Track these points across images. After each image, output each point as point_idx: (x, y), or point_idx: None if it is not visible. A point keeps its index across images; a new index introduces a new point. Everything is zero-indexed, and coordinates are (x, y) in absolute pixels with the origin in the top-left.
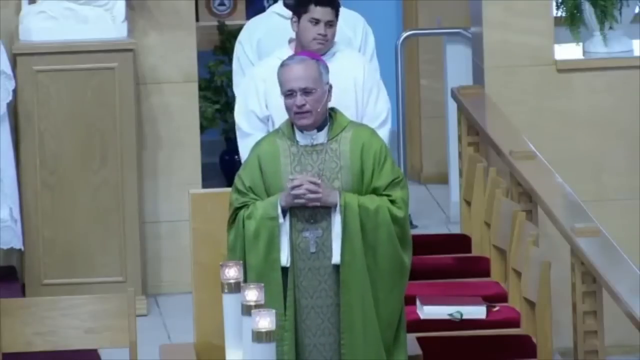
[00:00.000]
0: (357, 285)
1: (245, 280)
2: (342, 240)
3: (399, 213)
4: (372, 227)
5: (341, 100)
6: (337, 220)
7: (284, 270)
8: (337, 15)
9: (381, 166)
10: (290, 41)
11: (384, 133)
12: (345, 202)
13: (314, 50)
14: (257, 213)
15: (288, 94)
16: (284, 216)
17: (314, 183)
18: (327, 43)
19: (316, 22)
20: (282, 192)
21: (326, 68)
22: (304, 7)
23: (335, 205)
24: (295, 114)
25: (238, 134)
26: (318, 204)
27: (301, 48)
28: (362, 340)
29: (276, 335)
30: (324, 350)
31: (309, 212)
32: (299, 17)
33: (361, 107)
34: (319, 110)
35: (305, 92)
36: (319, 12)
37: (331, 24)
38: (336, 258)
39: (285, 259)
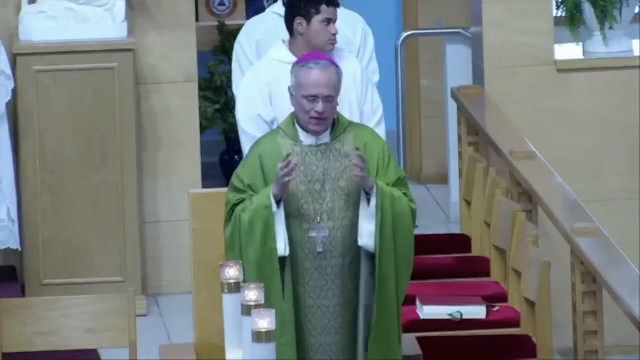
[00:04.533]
0: (390, 274)
1: (244, 276)
2: (378, 225)
3: (414, 206)
4: (398, 214)
5: (344, 97)
6: (372, 203)
7: (281, 262)
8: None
9: (386, 166)
10: (284, 41)
11: (383, 129)
12: (382, 188)
13: (327, 51)
14: (251, 205)
15: (310, 98)
16: (278, 206)
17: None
18: (336, 43)
19: (329, 22)
20: (274, 183)
21: (342, 74)
22: (315, 8)
23: (371, 188)
24: (312, 118)
25: (245, 139)
26: (361, 174)
27: (312, 50)
28: (387, 337)
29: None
30: (330, 350)
31: (314, 212)
32: (309, 19)
33: (361, 103)
34: (333, 117)
35: (328, 99)
36: (331, 12)
37: (335, 22)
38: (368, 241)
39: (283, 247)
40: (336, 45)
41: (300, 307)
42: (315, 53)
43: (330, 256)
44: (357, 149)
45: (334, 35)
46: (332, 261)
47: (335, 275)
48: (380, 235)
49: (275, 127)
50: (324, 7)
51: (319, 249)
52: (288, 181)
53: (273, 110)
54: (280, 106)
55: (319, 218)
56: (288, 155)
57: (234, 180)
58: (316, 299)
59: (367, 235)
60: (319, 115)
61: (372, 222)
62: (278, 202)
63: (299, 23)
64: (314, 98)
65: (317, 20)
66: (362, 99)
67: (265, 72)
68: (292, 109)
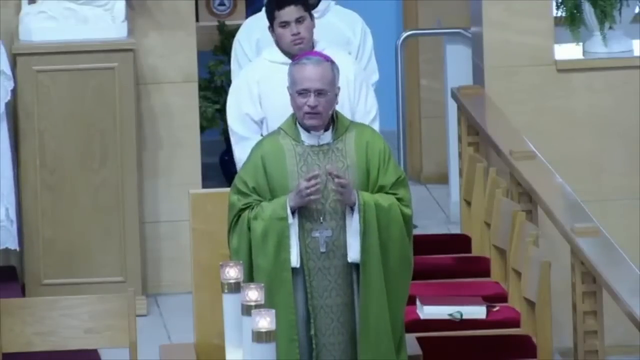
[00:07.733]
0: (375, 283)
1: (252, 282)
2: (361, 239)
3: (407, 211)
4: (385, 225)
5: None
6: (355, 219)
7: (293, 270)
8: (306, 9)
9: (386, 165)
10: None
11: (376, 128)
12: (364, 201)
13: (295, 52)
14: (264, 214)
15: (302, 92)
16: (293, 216)
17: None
18: (305, 40)
19: (285, 24)
20: (290, 193)
21: (338, 71)
22: (270, 15)
23: (354, 204)
24: (306, 113)
25: (233, 139)
26: (343, 190)
27: (285, 54)
28: (376, 339)
29: (291, 335)
30: (333, 349)
31: (317, 212)
32: (273, 26)
33: (354, 104)
34: (329, 112)
35: (320, 93)
36: (283, 14)
37: (301, 20)
38: (355, 256)
39: (295, 259)
40: (322, 44)
41: (304, 307)
42: (310, 51)
43: (333, 256)
44: (335, 174)
45: (295, 35)
46: (335, 261)
47: (338, 275)
48: (365, 250)
49: (264, 126)
50: (276, 12)
51: (322, 249)
52: (312, 200)
53: (262, 110)
54: (270, 106)
55: (321, 218)
56: (315, 176)
57: (238, 182)
58: (319, 299)
59: (353, 251)
60: (311, 109)
61: (357, 238)
62: (292, 212)
63: (272, 32)
64: (305, 92)
65: (276, 25)
66: (354, 100)
67: (255, 72)
68: (280, 109)
